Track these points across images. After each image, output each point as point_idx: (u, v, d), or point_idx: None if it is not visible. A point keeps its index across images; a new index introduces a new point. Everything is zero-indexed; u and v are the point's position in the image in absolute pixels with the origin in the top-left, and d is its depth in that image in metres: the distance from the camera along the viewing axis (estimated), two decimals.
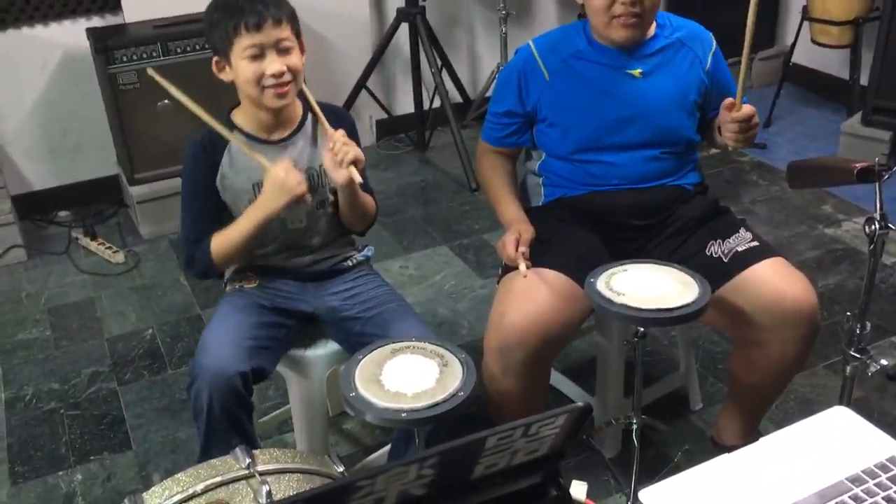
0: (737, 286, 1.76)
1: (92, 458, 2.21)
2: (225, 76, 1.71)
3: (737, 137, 1.75)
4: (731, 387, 2.01)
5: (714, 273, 1.73)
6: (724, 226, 1.89)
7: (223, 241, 1.73)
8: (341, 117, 1.85)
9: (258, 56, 1.63)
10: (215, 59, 1.70)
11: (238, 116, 1.76)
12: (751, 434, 2.00)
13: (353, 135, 1.84)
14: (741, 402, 1.98)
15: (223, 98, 1.80)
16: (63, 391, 2.46)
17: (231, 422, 1.60)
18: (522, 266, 1.74)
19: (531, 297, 1.74)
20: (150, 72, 1.71)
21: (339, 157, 1.65)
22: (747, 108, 1.71)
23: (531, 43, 1.92)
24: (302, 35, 1.72)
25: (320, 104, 1.82)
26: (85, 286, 3.00)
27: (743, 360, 1.89)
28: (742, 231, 1.87)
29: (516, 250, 1.77)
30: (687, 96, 1.88)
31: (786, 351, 1.77)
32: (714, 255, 1.82)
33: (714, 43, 1.93)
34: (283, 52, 1.65)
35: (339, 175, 1.68)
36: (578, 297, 1.76)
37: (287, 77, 1.65)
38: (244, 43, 1.63)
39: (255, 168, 1.72)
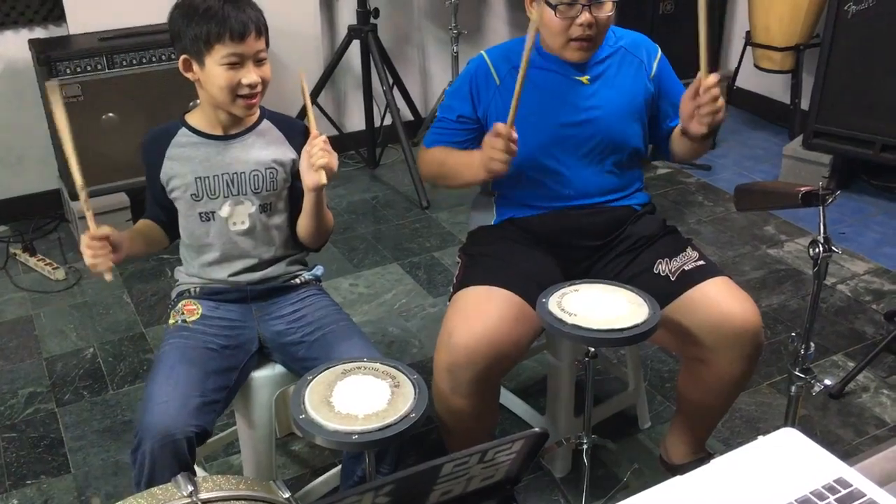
0: (683, 305, 1.78)
1: (29, 482, 2.13)
2: (191, 75, 1.70)
3: (710, 111, 1.69)
4: (678, 404, 2.03)
5: (661, 291, 1.75)
6: (671, 245, 1.91)
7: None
8: (296, 128, 1.84)
9: (236, 64, 1.64)
10: (183, 56, 1.68)
11: (192, 116, 1.78)
12: (698, 452, 2.03)
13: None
14: (688, 420, 2.00)
15: (170, 110, 1.79)
16: None
17: None
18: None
19: (481, 316, 1.74)
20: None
21: (314, 159, 1.65)
22: (712, 76, 1.68)
23: (484, 53, 1.95)
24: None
25: (276, 114, 1.83)
26: (23, 303, 2.91)
27: (690, 378, 1.91)
28: (689, 250, 1.89)
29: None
30: (633, 102, 1.91)
31: (731, 369, 1.79)
32: (661, 274, 1.85)
33: (659, 51, 1.96)
34: (259, 62, 1.68)
35: (310, 178, 1.67)
36: (529, 317, 1.77)
37: (259, 88, 1.68)
38: (225, 50, 1.63)
39: (200, 162, 1.74)
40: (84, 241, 1.62)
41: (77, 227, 3.20)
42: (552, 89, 1.88)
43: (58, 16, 3.23)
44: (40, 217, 3.40)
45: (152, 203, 1.83)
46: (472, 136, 1.95)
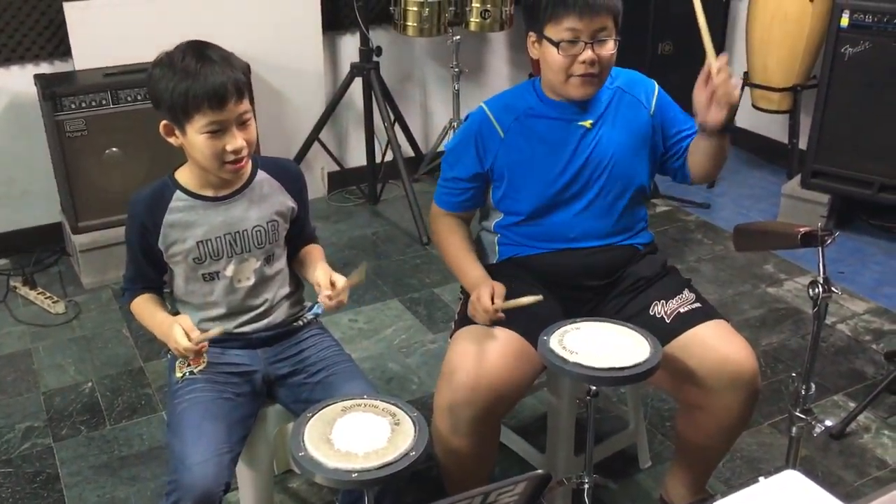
0: (678, 348, 1.78)
1: None
2: (174, 141, 1.66)
3: (728, 97, 1.71)
4: (677, 446, 2.02)
5: (656, 333, 1.74)
6: (669, 286, 1.91)
7: (137, 314, 1.78)
8: (292, 174, 1.84)
9: (218, 132, 1.60)
10: (164, 122, 1.65)
11: (182, 175, 1.73)
12: (699, 492, 2.01)
13: (302, 190, 1.84)
14: (688, 462, 1.99)
15: (173, 148, 1.77)
16: None
17: None
18: (525, 300, 1.71)
19: (482, 355, 1.73)
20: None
21: (333, 302, 1.65)
22: (722, 56, 1.71)
23: (483, 105, 1.94)
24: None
25: (269, 161, 1.81)
26: (22, 337, 2.90)
27: (687, 422, 1.90)
28: (686, 292, 1.89)
29: (492, 304, 1.75)
30: (636, 141, 1.91)
31: (728, 414, 1.79)
32: (657, 315, 1.84)
33: (656, 87, 1.96)
34: (243, 125, 1.63)
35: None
36: (530, 356, 1.76)
37: (245, 152, 1.64)
38: (205, 120, 1.58)
39: (200, 226, 1.70)
40: (187, 346, 1.62)
41: (78, 261, 3.21)
42: (557, 138, 1.88)
43: (63, 51, 3.27)
44: (41, 250, 3.40)
45: (143, 266, 1.76)
46: (476, 196, 1.97)
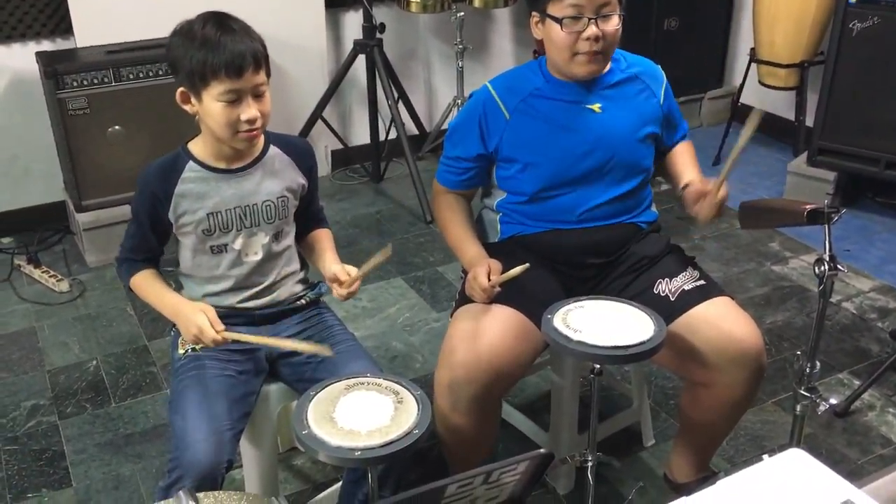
0: (683, 326, 1.77)
1: (30, 495, 2.13)
2: (189, 108, 1.66)
3: (714, 214, 1.78)
4: (681, 424, 2.02)
5: (661, 311, 1.73)
6: (672, 264, 1.91)
7: (140, 289, 1.76)
8: (303, 150, 1.84)
9: (234, 101, 1.60)
10: (181, 89, 1.65)
11: (196, 146, 1.73)
12: (703, 470, 2.02)
13: (313, 167, 1.85)
14: (692, 440, 1.99)
15: (176, 125, 1.76)
16: (1, 425, 2.37)
17: None
18: (516, 270, 1.71)
19: (482, 333, 1.73)
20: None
21: (343, 291, 1.70)
22: (722, 192, 1.76)
23: (488, 84, 1.92)
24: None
25: (281, 137, 1.81)
26: (27, 315, 2.91)
27: (692, 399, 1.90)
28: (690, 270, 1.89)
29: (489, 281, 1.75)
30: (644, 128, 1.91)
31: (733, 392, 1.78)
32: (661, 294, 1.84)
33: (664, 78, 1.97)
34: (259, 96, 1.63)
35: (339, 296, 1.72)
36: (530, 334, 1.76)
37: (259, 122, 1.64)
38: (221, 87, 1.59)
39: (211, 198, 1.70)
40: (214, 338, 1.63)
41: (82, 239, 3.21)
42: (563, 121, 1.86)
43: (65, 29, 3.25)
44: (45, 229, 3.40)
45: (147, 237, 1.74)
46: (478, 174, 1.97)
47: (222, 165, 1.72)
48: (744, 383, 1.77)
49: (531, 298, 1.78)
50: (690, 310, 1.78)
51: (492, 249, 1.93)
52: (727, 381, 1.76)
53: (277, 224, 1.76)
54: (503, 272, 1.77)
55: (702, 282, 1.85)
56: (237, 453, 1.66)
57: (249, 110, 1.61)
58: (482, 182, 2.00)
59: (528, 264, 1.71)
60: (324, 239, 1.89)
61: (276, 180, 1.76)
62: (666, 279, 1.86)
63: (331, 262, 1.77)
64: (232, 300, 1.77)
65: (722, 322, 1.75)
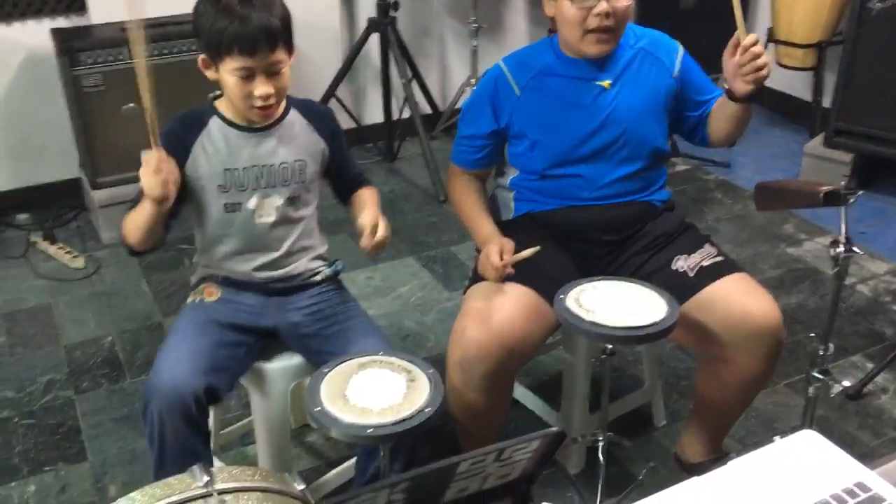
0: (702, 301, 1.77)
1: (46, 468, 2.15)
2: (210, 74, 1.68)
3: (754, 68, 1.70)
4: (695, 403, 2.02)
5: (680, 288, 1.74)
6: (689, 241, 1.90)
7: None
8: (323, 114, 1.84)
9: (247, 77, 1.61)
10: (202, 56, 1.67)
11: (221, 104, 1.75)
12: (715, 451, 2.02)
13: (335, 132, 1.84)
14: (705, 419, 2.00)
15: (192, 102, 1.77)
16: (17, 399, 2.40)
17: (185, 448, 1.58)
18: (527, 252, 1.74)
19: (494, 311, 1.73)
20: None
21: (370, 242, 1.66)
22: (751, 35, 1.69)
23: (501, 62, 1.92)
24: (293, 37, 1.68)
25: (302, 102, 1.82)
26: (42, 292, 2.93)
27: (708, 377, 1.90)
28: (707, 246, 1.88)
29: (501, 260, 1.76)
30: (656, 103, 1.89)
31: (750, 367, 1.78)
32: (680, 270, 1.83)
33: (679, 48, 1.93)
34: (274, 74, 1.63)
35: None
36: (542, 312, 1.76)
37: (273, 99, 1.65)
38: (234, 63, 1.60)
39: (230, 153, 1.71)
40: (152, 156, 1.55)
41: (97, 216, 3.22)
42: (573, 98, 1.85)
43: (80, 5, 3.25)
44: (61, 206, 3.42)
45: None
46: (492, 153, 1.96)
47: (244, 124, 1.73)
48: (762, 358, 1.76)
49: (544, 277, 1.79)
50: (710, 285, 1.78)
51: (505, 227, 1.93)
52: (745, 356, 1.76)
53: (294, 188, 1.76)
54: (516, 252, 1.77)
55: (720, 258, 1.85)
56: (224, 394, 1.65)
57: (262, 87, 1.62)
58: (496, 160, 2.00)
59: (539, 247, 1.71)
60: (364, 194, 1.88)
61: (294, 144, 1.76)
62: (684, 255, 1.85)
63: (367, 212, 1.72)
64: (245, 266, 1.78)
65: (741, 298, 1.75)
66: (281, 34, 1.62)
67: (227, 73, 1.62)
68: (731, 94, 1.79)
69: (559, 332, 1.96)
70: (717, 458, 2.01)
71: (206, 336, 1.68)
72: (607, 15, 1.74)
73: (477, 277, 1.86)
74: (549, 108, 1.87)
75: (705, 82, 1.96)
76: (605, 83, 1.85)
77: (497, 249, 1.78)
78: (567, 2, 1.75)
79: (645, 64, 1.89)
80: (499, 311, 1.73)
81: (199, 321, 1.72)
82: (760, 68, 1.70)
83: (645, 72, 1.89)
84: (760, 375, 1.81)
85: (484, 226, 1.93)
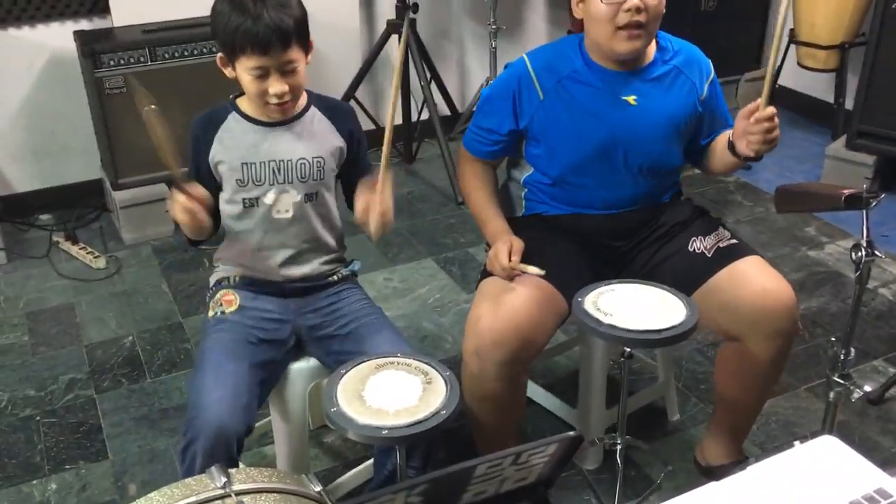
0: (721, 281, 1.80)
1: (67, 466, 2.18)
2: (228, 72, 1.70)
3: (761, 139, 1.70)
4: (715, 399, 2.02)
5: (698, 268, 1.77)
6: (704, 224, 1.93)
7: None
8: (344, 113, 1.84)
9: (262, 76, 1.63)
10: (220, 55, 1.69)
11: (242, 101, 1.77)
12: (735, 455, 2.01)
13: (354, 131, 1.84)
14: (724, 417, 2.00)
15: (212, 104, 1.78)
16: (39, 398, 2.43)
17: None
18: (532, 269, 1.76)
19: (506, 300, 1.75)
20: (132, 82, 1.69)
21: (368, 214, 1.67)
22: (770, 109, 1.69)
23: (526, 58, 1.88)
24: (310, 35, 1.70)
25: (324, 99, 1.82)
26: (65, 291, 2.96)
27: (725, 368, 1.92)
28: (721, 229, 1.91)
29: (509, 260, 1.78)
30: (678, 125, 1.87)
31: (766, 346, 1.79)
32: (697, 251, 1.85)
33: (712, 71, 1.92)
34: (288, 72, 1.64)
35: (360, 219, 1.71)
36: (555, 301, 1.78)
37: (288, 97, 1.66)
38: (249, 63, 1.62)
39: (247, 148, 1.73)
40: (181, 199, 1.63)
41: (118, 217, 3.25)
42: (596, 108, 1.83)
43: (102, 8, 3.28)
44: (83, 206, 3.45)
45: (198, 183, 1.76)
46: (509, 146, 1.95)
47: (263, 119, 1.75)
48: (777, 337, 1.77)
49: (555, 265, 1.80)
50: (727, 266, 1.80)
51: (516, 224, 1.94)
52: (762, 334, 1.77)
53: (312, 185, 1.77)
54: (525, 252, 1.80)
55: (734, 240, 1.88)
56: (255, 423, 1.67)
57: (276, 85, 1.64)
58: (510, 154, 1.99)
59: (543, 271, 1.76)
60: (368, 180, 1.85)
61: (313, 140, 1.77)
62: (700, 237, 1.88)
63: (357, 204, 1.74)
64: (263, 262, 1.78)
65: (758, 278, 1.78)
66: (294, 33, 1.62)
67: (243, 71, 1.64)
68: (732, 147, 1.80)
69: (575, 331, 1.95)
70: (738, 461, 2.00)
71: (237, 361, 1.66)
72: (638, 10, 1.70)
73: (488, 271, 1.87)
74: (570, 117, 1.84)
75: (723, 111, 1.96)
76: (631, 98, 1.82)
77: (506, 249, 1.79)
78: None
79: (676, 84, 1.86)
80: (512, 299, 1.75)
81: (227, 343, 1.70)
82: (770, 141, 1.71)
83: (675, 92, 1.85)
84: (776, 355, 1.81)
85: (492, 219, 1.93)
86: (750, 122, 1.70)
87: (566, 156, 1.87)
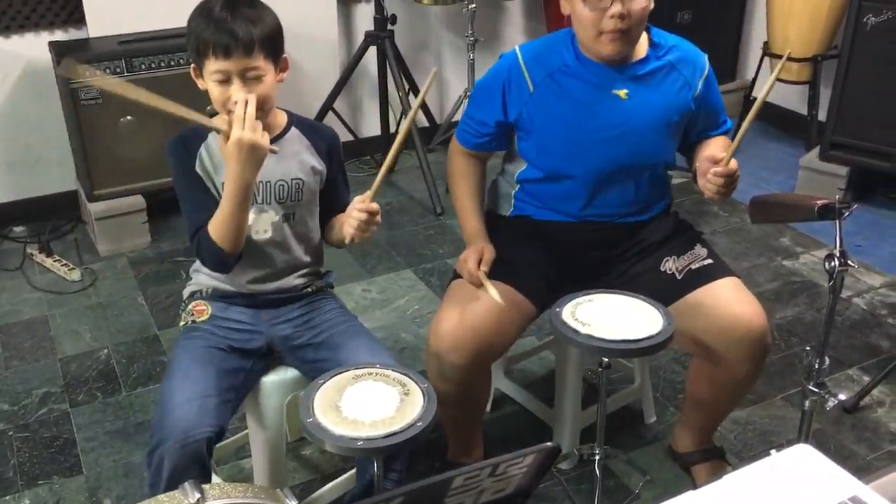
0: (689, 305, 1.79)
1: (41, 482, 2.14)
2: (200, 84, 1.69)
3: (718, 190, 1.74)
4: (686, 397, 2.05)
5: (667, 289, 1.76)
6: (681, 243, 1.92)
7: (216, 224, 1.65)
8: (324, 136, 1.83)
9: (224, 81, 1.62)
10: (193, 66, 1.68)
11: (219, 119, 1.73)
12: (704, 443, 2.07)
13: (333, 154, 1.83)
14: (696, 414, 2.04)
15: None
16: (13, 412, 2.39)
17: None
18: (492, 290, 1.74)
19: (469, 304, 1.77)
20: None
21: (355, 223, 1.64)
22: (732, 164, 1.71)
23: (518, 50, 1.89)
24: (284, 53, 1.69)
25: (304, 121, 1.82)
26: (39, 304, 2.93)
27: (696, 374, 1.94)
28: (698, 247, 1.90)
29: (478, 268, 1.79)
30: (669, 120, 1.86)
31: (737, 370, 1.81)
32: (668, 272, 1.86)
33: (707, 66, 1.91)
34: (252, 80, 1.62)
35: (347, 232, 1.67)
36: (519, 304, 1.80)
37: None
38: (211, 67, 1.61)
39: (224, 169, 1.68)
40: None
41: (94, 228, 3.22)
42: (586, 102, 1.83)
43: (78, 18, 3.26)
44: (57, 218, 3.42)
45: (200, 195, 1.71)
46: (497, 139, 1.95)
47: None
48: (747, 361, 1.79)
49: (524, 271, 1.83)
50: (697, 289, 1.79)
51: (499, 223, 1.96)
52: (731, 360, 1.78)
53: (290, 206, 1.76)
54: (508, 260, 1.82)
55: (709, 261, 1.86)
56: (227, 429, 1.64)
57: (237, 93, 1.60)
58: (501, 147, 1.99)
59: (503, 304, 1.74)
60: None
61: (291, 162, 1.75)
62: (673, 257, 1.87)
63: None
64: (240, 278, 1.77)
65: (727, 303, 1.77)
66: (260, 40, 1.61)
67: (208, 78, 1.63)
68: (695, 177, 1.84)
69: (546, 334, 1.97)
70: (706, 448, 2.05)
71: (207, 366, 1.65)
72: (622, 17, 1.71)
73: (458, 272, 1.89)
74: (561, 110, 1.84)
75: (717, 107, 1.95)
76: (622, 92, 1.82)
77: (476, 257, 1.82)
78: (580, 3, 1.73)
79: (669, 79, 1.85)
80: (475, 307, 1.76)
81: (197, 349, 1.69)
82: (727, 192, 1.74)
83: (667, 87, 1.85)
84: (746, 377, 1.84)
85: (471, 220, 1.95)
86: (711, 170, 1.71)
87: (558, 149, 1.86)
